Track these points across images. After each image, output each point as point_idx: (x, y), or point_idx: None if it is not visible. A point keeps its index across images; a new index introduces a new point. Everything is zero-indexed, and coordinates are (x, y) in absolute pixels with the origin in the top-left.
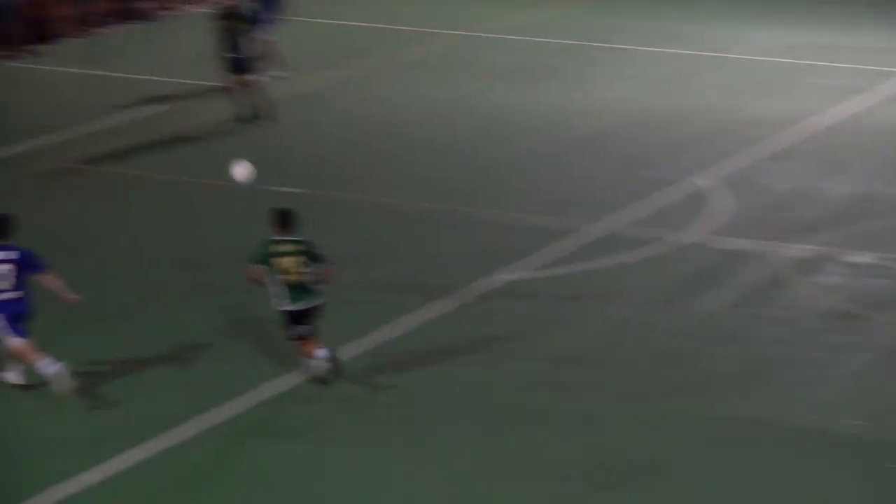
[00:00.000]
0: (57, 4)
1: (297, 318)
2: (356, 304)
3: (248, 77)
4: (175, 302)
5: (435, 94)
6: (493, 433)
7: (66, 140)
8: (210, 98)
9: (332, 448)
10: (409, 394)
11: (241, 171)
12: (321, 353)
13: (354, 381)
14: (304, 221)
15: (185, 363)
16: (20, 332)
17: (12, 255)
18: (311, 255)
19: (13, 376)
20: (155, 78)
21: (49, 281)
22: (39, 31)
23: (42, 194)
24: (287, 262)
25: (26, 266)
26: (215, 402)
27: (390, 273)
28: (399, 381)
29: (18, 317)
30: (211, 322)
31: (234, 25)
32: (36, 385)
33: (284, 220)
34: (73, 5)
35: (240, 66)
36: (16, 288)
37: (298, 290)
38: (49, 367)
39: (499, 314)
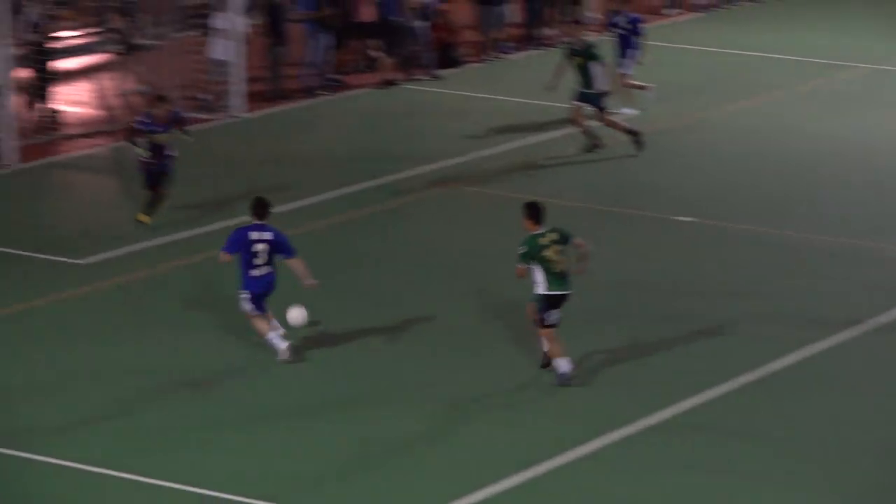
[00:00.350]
0: (464, 30)
1: (554, 303)
2: (747, 335)
3: (599, 110)
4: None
5: (838, 128)
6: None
7: (466, 163)
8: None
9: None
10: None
11: (296, 316)
12: (564, 366)
13: (740, 412)
14: (693, 250)
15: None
16: (261, 308)
17: (267, 235)
18: (565, 238)
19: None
20: (552, 104)
21: (296, 265)
22: (445, 56)
23: (442, 216)
24: (551, 252)
25: (278, 248)
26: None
27: (782, 304)
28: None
29: (264, 294)
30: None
31: (583, 60)
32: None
33: (539, 213)
34: (479, 31)
35: (591, 99)
36: (266, 265)
37: (560, 277)
38: (276, 339)
39: None
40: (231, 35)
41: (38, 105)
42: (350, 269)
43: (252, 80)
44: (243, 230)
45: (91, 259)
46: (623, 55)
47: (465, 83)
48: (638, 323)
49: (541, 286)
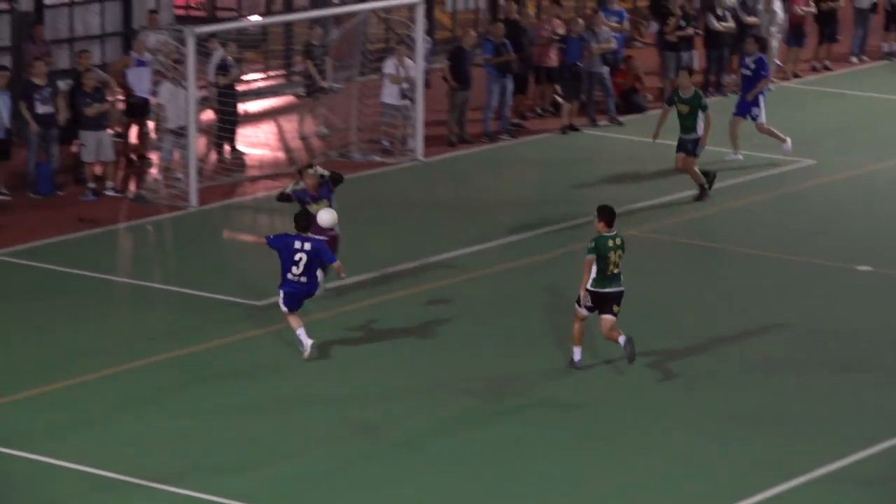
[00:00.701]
0: (648, 76)
1: (597, 298)
2: None
3: (688, 156)
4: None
5: None
6: None
7: (645, 208)
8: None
9: None
10: None
11: (326, 217)
12: (622, 339)
13: None
14: (871, 299)
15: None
16: (293, 307)
17: (307, 246)
18: (624, 247)
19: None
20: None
21: (337, 268)
22: (628, 102)
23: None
24: (614, 255)
25: (319, 255)
26: None
27: None
28: None
29: (297, 296)
30: None
31: (690, 108)
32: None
33: (612, 217)
34: (662, 77)
35: (686, 144)
36: (303, 274)
37: (610, 278)
38: (304, 337)
39: None
40: (406, 79)
41: (221, 147)
42: (523, 313)
43: (434, 123)
44: (290, 236)
45: (268, 301)
46: (751, 98)
47: (647, 129)
48: (813, 370)
49: (591, 281)
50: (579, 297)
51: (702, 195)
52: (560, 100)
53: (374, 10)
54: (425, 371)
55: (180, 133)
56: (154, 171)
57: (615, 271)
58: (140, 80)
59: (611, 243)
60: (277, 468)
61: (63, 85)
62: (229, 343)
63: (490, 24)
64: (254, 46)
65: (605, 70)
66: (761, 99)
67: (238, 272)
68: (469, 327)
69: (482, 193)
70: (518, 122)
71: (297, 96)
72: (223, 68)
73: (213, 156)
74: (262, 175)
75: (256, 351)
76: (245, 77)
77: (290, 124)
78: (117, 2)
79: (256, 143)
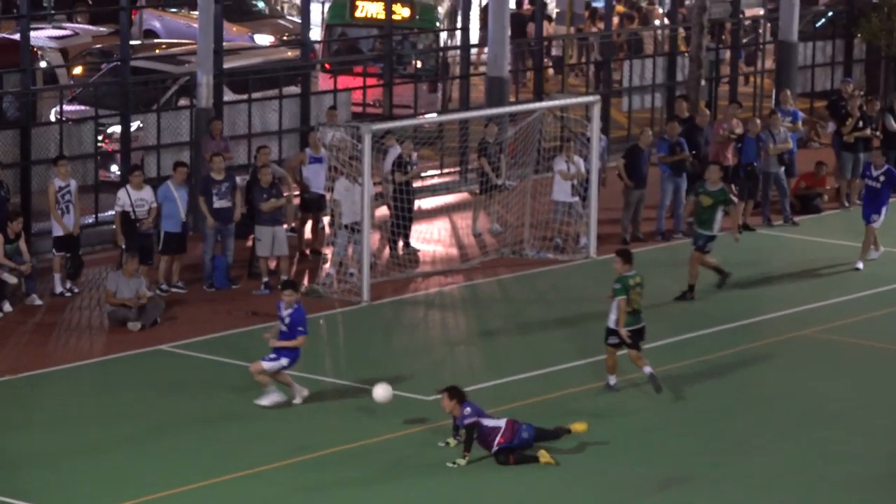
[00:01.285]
0: (826, 177)
1: (633, 336)
2: None
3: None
4: None
5: None
6: None
7: (820, 309)
8: None
9: None
10: None
11: (381, 393)
12: (647, 369)
13: None
14: None
15: None
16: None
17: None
18: (643, 285)
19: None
20: None
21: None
22: (804, 203)
23: (796, 362)
24: (635, 293)
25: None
26: None
27: None
28: None
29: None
30: None
31: (713, 202)
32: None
33: (631, 258)
34: (839, 178)
35: (701, 239)
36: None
37: (632, 314)
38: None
39: None
40: (576, 176)
41: (395, 242)
42: (698, 412)
43: (608, 222)
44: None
45: (437, 397)
46: (875, 208)
47: (823, 230)
48: None
49: (612, 319)
50: (620, 335)
51: (687, 294)
52: (735, 199)
53: (550, 109)
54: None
55: (354, 229)
56: (327, 266)
57: (635, 307)
58: (315, 177)
59: (632, 281)
60: None
61: (240, 180)
62: (397, 438)
63: (666, 123)
64: (429, 143)
65: (781, 170)
66: (884, 209)
67: (406, 367)
68: (654, 424)
69: (655, 290)
70: (692, 222)
71: (472, 193)
72: (400, 165)
73: (387, 251)
74: (435, 271)
75: (421, 447)
76: (421, 174)
77: (463, 221)
78: (295, 99)
79: (430, 240)
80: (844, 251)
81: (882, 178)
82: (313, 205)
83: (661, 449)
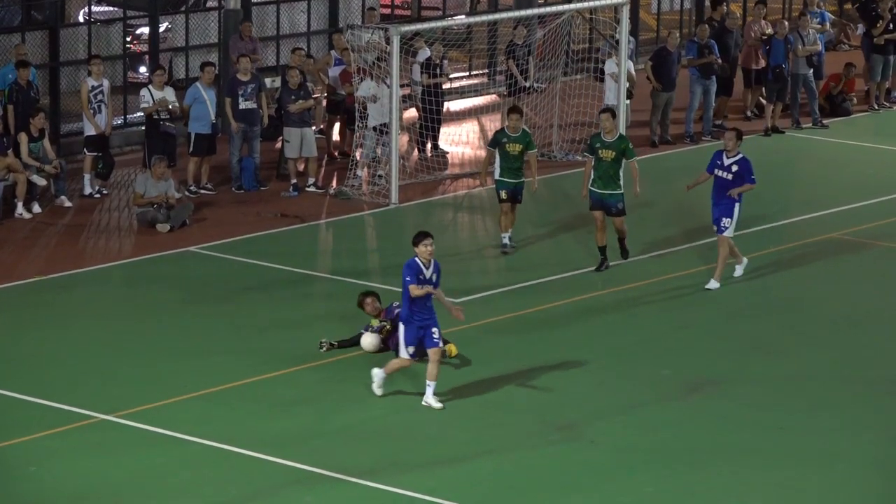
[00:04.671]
0: (854, 79)
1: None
2: None
3: None
4: None
5: None
6: None
7: (847, 211)
8: None
9: None
10: None
11: (368, 341)
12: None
13: None
14: None
15: None
16: (431, 343)
17: (435, 275)
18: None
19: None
20: None
21: (440, 295)
22: (833, 105)
23: (822, 266)
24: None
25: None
26: None
27: None
28: None
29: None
30: None
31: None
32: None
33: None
34: (868, 80)
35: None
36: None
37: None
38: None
39: None
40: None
41: (423, 145)
42: (724, 315)
43: (636, 125)
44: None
45: (467, 298)
46: (725, 209)
47: (852, 132)
48: None
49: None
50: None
51: (602, 264)
52: (764, 101)
53: (579, 11)
54: (627, 372)
55: (382, 131)
56: (357, 168)
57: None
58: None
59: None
60: (474, 465)
61: (270, 82)
62: None
63: (695, 25)
64: (458, 45)
65: (810, 72)
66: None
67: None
68: (671, 326)
69: (684, 194)
70: (720, 124)
71: (500, 95)
72: (428, 67)
73: (416, 154)
74: (463, 173)
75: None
76: (449, 76)
77: (492, 123)
78: (323, 0)
79: (458, 142)
80: (874, 154)
81: (735, 169)
82: (340, 107)
83: (688, 352)
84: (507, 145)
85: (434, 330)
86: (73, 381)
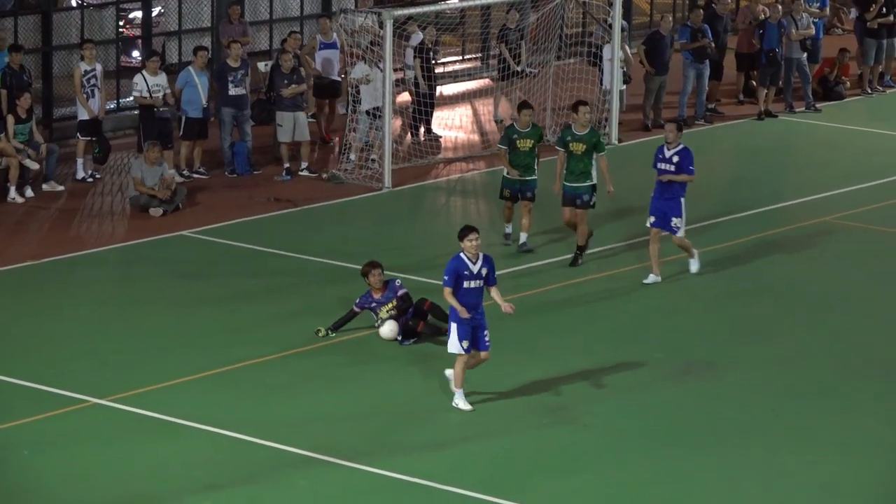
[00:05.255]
0: (848, 63)
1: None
2: None
3: None
4: None
5: None
6: None
7: (840, 195)
8: None
9: None
10: None
11: (387, 330)
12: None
13: None
14: None
15: None
16: (483, 346)
17: (485, 269)
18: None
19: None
20: None
21: (494, 293)
22: (826, 89)
23: (814, 249)
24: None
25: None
26: None
27: None
28: None
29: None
30: None
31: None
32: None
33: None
34: (861, 64)
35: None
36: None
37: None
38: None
39: None
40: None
41: (416, 129)
42: (718, 298)
43: (629, 108)
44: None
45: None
46: (673, 207)
47: (845, 117)
48: None
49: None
50: None
51: (576, 259)
52: (755, 85)
53: None
54: (612, 351)
55: (376, 115)
56: (350, 152)
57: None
58: (327, 62)
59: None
60: (467, 448)
61: (263, 66)
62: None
63: (688, 9)
64: (451, 29)
65: (804, 56)
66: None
67: (427, 253)
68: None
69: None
70: (714, 108)
71: (493, 80)
72: (422, 51)
73: (409, 138)
74: (456, 157)
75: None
76: (442, 60)
77: (485, 107)
78: None
79: (451, 126)
80: (867, 138)
81: (676, 160)
82: (325, 91)
83: (681, 335)
84: (518, 142)
85: (486, 332)
86: (66, 365)
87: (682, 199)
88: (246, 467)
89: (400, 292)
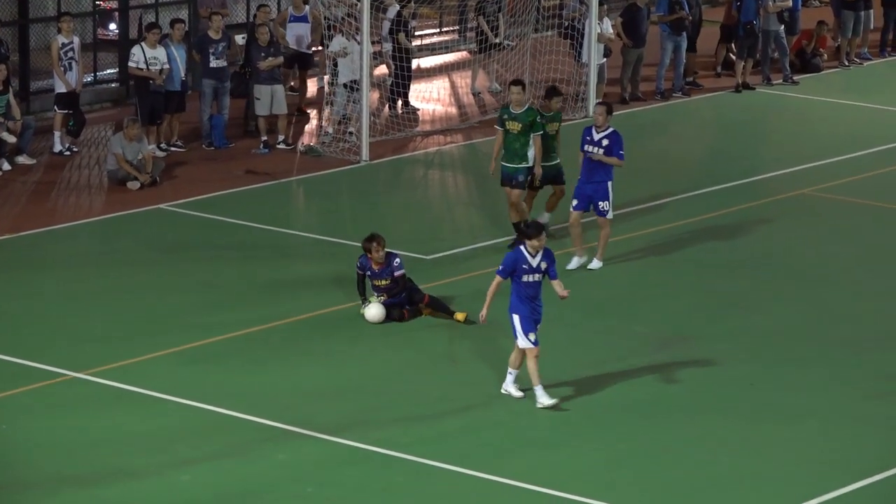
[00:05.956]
0: (824, 36)
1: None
2: None
3: None
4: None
5: None
6: None
7: (819, 168)
8: None
9: None
10: None
11: (374, 313)
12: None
13: None
14: None
15: None
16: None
17: (544, 263)
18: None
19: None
20: None
21: (556, 285)
22: (804, 61)
23: (793, 221)
24: None
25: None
26: None
27: None
28: None
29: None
30: None
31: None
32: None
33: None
34: (838, 37)
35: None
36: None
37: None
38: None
39: None
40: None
41: (394, 102)
42: (696, 271)
43: (607, 81)
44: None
45: (435, 255)
46: (601, 190)
47: (823, 89)
48: None
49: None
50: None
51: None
52: (733, 58)
53: None
54: (593, 328)
55: (354, 88)
56: (326, 124)
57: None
58: (296, 35)
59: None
60: (445, 422)
61: (240, 39)
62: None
63: None
64: (428, 2)
65: (781, 28)
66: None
67: (405, 227)
68: (638, 286)
69: (654, 151)
70: (692, 81)
71: (470, 52)
72: (399, 24)
73: (386, 110)
74: (434, 130)
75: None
76: (419, 33)
77: (462, 80)
78: None
79: (429, 99)
80: (844, 110)
81: (605, 143)
82: (294, 62)
83: (661, 308)
84: (508, 122)
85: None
86: (45, 338)
87: (610, 184)
88: (225, 441)
89: (397, 273)
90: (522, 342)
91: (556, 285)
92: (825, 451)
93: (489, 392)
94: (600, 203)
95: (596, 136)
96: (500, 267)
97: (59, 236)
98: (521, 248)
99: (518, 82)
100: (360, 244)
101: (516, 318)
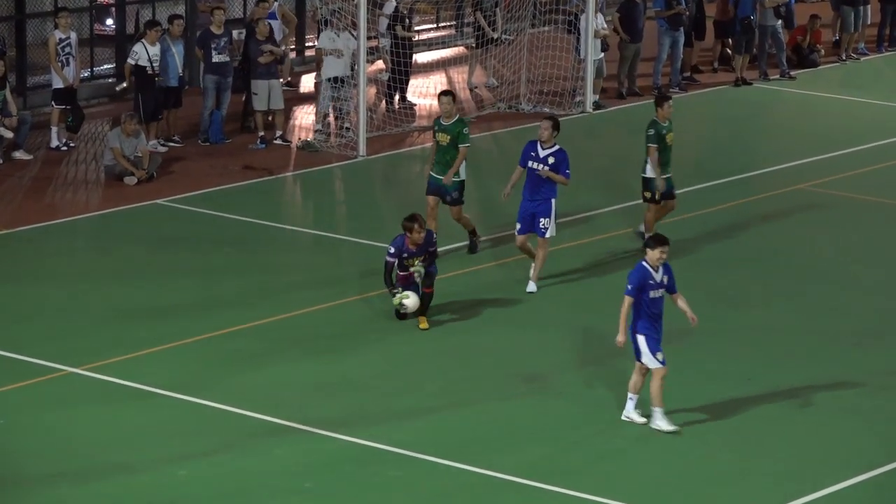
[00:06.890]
0: (821, 30)
1: None
2: None
3: None
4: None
5: None
6: None
7: (815, 163)
8: None
9: None
10: None
11: (415, 300)
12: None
13: None
14: None
15: None
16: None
17: (665, 277)
18: None
19: (663, 423)
20: None
21: (679, 300)
22: (801, 56)
23: (790, 215)
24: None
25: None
26: None
27: None
28: None
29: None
30: None
31: (449, 138)
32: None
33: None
34: (836, 32)
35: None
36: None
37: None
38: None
39: None
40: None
41: (391, 97)
42: (693, 266)
43: (607, 76)
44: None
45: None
46: (543, 207)
47: (819, 84)
48: None
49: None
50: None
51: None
52: (730, 53)
53: None
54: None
55: (344, 81)
56: (312, 120)
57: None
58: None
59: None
60: (443, 417)
61: (237, 34)
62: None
63: None
64: None
65: (778, 23)
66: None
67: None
68: None
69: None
70: (689, 76)
71: (468, 48)
72: (397, 19)
73: (383, 106)
74: (431, 126)
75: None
76: (416, 28)
77: (460, 75)
78: None
79: (426, 94)
80: (841, 105)
81: (551, 161)
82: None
83: None
84: (437, 134)
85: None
86: (41, 334)
87: (554, 201)
88: (222, 436)
89: (431, 248)
90: (651, 363)
91: (682, 302)
92: (824, 446)
93: (486, 388)
94: (542, 220)
95: (542, 153)
96: (629, 286)
97: (56, 232)
98: (644, 263)
99: (447, 93)
100: (357, 239)
101: (641, 338)
